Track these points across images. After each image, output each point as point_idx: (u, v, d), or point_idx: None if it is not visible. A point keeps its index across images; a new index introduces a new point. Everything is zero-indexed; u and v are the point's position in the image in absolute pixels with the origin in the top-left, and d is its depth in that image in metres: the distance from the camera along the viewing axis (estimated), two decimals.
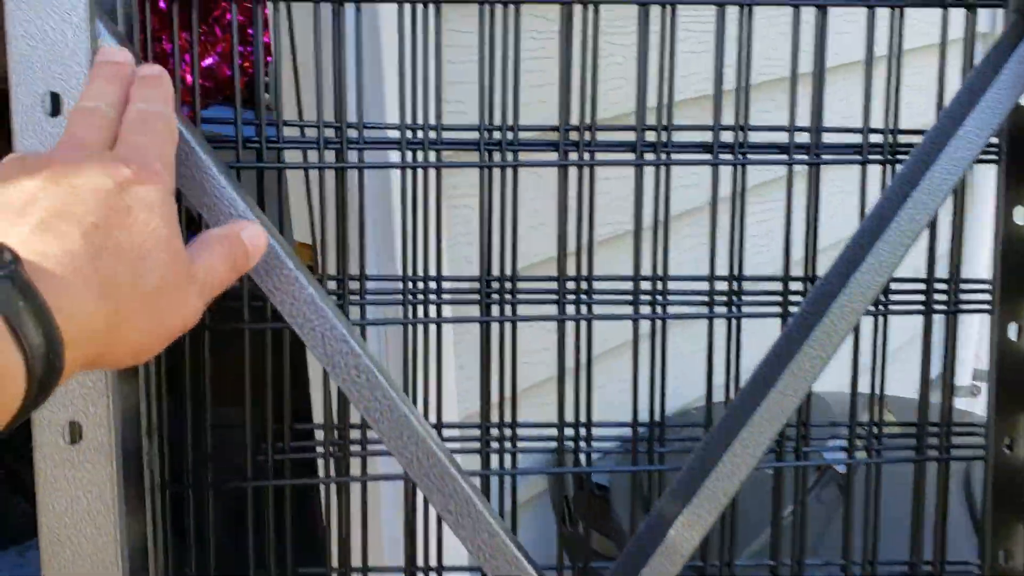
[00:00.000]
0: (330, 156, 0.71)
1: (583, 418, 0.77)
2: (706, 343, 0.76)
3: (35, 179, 0.45)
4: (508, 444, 0.77)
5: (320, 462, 0.80)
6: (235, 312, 0.70)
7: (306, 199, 0.83)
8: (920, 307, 0.76)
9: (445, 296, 0.75)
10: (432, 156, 0.72)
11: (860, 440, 0.79)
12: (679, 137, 0.74)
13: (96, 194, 0.45)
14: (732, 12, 0.72)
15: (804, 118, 0.73)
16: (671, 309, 0.76)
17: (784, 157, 0.74)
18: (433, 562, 0.77)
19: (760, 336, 0.74)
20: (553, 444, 0.78)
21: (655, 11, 0.71)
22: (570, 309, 0.76)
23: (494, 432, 0.78)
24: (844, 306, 0.65)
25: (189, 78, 1.40)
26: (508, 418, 0.77)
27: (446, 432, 0.77)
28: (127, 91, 0.53)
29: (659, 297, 0.76)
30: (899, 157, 0.74)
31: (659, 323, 0.76)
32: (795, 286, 0.76)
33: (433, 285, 0.75)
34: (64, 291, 0.42)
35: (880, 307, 0.76)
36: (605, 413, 0.81)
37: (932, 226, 0.77)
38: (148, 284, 0.46)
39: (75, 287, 0.43)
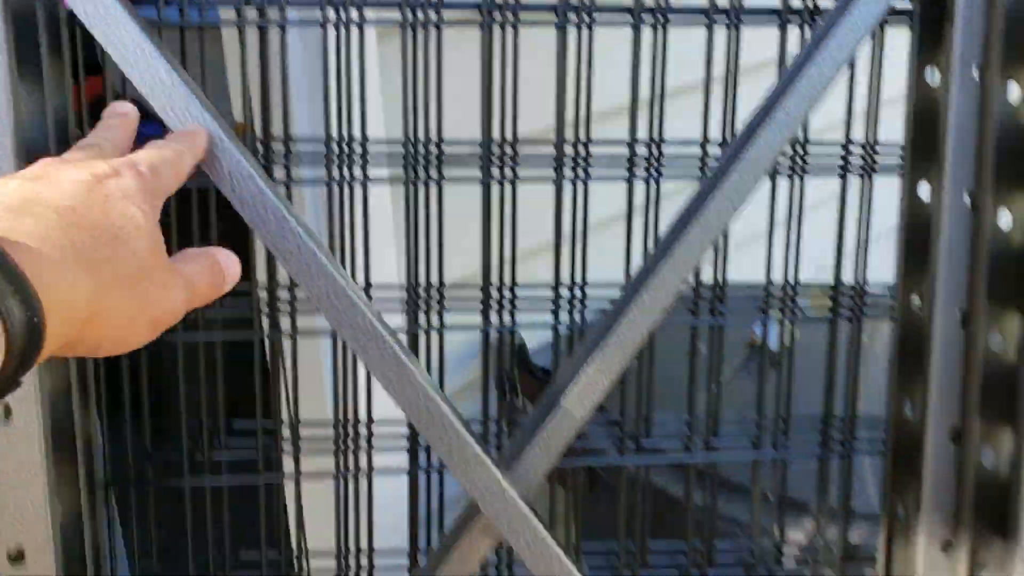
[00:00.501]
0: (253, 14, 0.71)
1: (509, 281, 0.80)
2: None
3: (16, 177, 0.47)
4: (436, 304, 0.80)
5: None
6: None
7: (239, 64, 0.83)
8: (838, 169, 0.79)
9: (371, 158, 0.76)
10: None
11: (778, 303, 0.82)
12: None
13: (73, 184, 0.46)
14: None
15: None
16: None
17: (704, 19, 0.75)
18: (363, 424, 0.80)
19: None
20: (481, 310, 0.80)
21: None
22: (495, 172, 0.77)
23: (428, 294, 0.80)
24: (752, 160, 0.67)
25: None
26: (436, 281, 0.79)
27: (383, 293, 0.80)
28: (130, 136, 0.56)
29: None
30: (816, 20, 0.75)
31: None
32: None
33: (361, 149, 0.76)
34: (41, 262, 0.41)
35: (797, 169, 0.78)
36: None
37: (850, 92, 0.78)
38: (129, 266, 0.46)
39: (52, 259, 0.42)
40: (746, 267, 0.84)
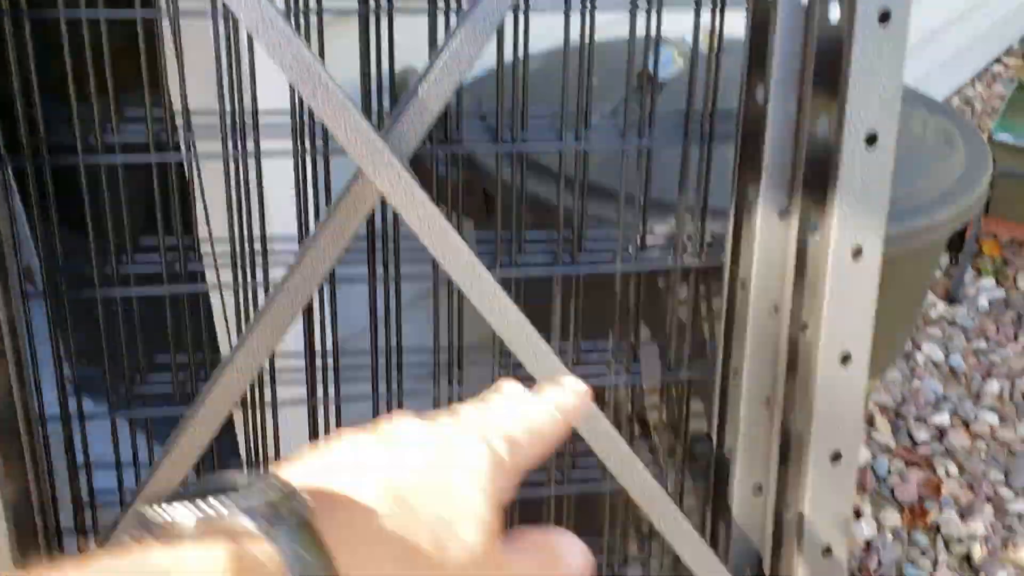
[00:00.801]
0: None
1: None
2: None
3: (366, 434, 0.43)
4: None
5: None
6: None
7: None
8: None
9: None
10: None
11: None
12: None
13: (418, 451, 0.42)
14: None
15: None
16: None
17: None
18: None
19: None
20: None
21: None
22: None
23: None
24: None
25: None
26: None
27: None
28: (554, 430, 0.47)
29: None
30: None
31: None
32: None
33: None
34: (356, 550, 0.38)
35: None
36: None
37: None
38: (451, 559, 0.40)
39: (367, 547, 0.38)
40: None
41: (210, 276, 0.89)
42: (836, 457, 0.83)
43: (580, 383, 0.49)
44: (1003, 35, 3.76)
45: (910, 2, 0.72)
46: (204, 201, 0.88)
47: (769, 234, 0.85)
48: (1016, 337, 2.43)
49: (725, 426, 0.94)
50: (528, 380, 0.60)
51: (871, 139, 0.74)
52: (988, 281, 2.62)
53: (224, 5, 0.73)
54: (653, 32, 0.89)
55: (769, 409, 0.89)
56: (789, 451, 0.87)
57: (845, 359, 0.79)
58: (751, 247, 0.86)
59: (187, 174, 0.86)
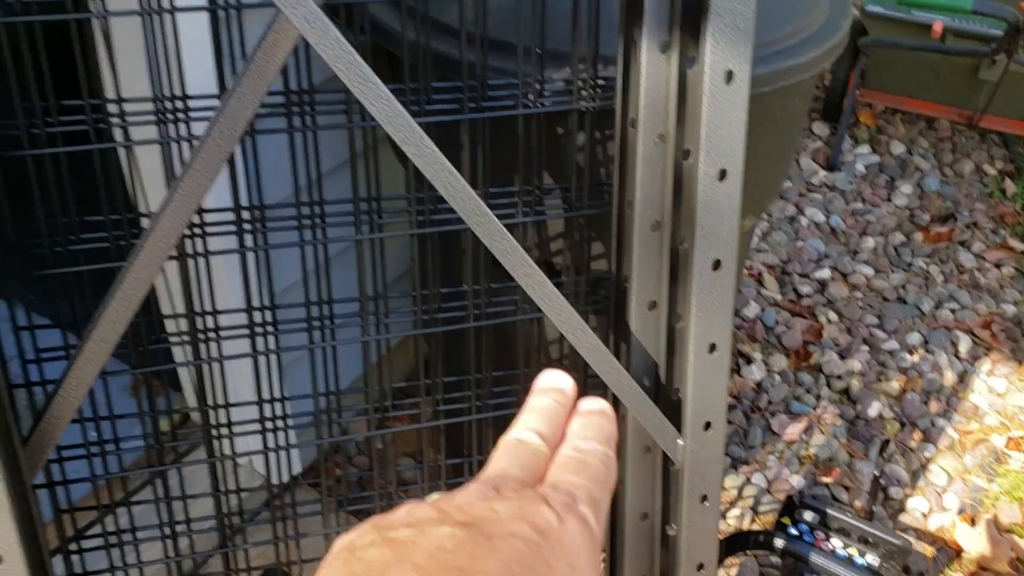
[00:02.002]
0: None
1: None
2: None
3: (443, 520, 0.36)
4: None
5: None
6: None
7: None
8: None
9: None
10: None
11: None
12: None
13: (512, 542, 0.36)
14: None
15: None
16: None
17: None
18: None
19: None
20: None
21: None
22: None
23: None
24: None
25: None
26: None
27: None
28: (564, 423, 0.45)
29: None
30: None
31: None
32: None
33: None
34: None
35: None
36: None
37: None
38: None
39: None
40: None
41: (134, 134, 0.94)
42: (716, 265, 0.94)
43: (606, 404, 0.47)
44: None
45: None
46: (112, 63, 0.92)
47: (653, 70, 0.94)
48: (889, 198, 2.63)
49: (622, 255, 1.05)
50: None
51: None
52: (864, 148, 2.80)
53: None
54: None
55: (659, 232, 0.99)
56: (677, 267, 0.99)
57: (722, 175, 0.90)
58: (638, 84, 0.95)
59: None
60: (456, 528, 0.35)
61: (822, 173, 2.69)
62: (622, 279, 1.06)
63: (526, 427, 0.44)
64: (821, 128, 2.82)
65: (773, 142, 1.20)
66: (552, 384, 0.47)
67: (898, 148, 2.78)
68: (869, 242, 2.45)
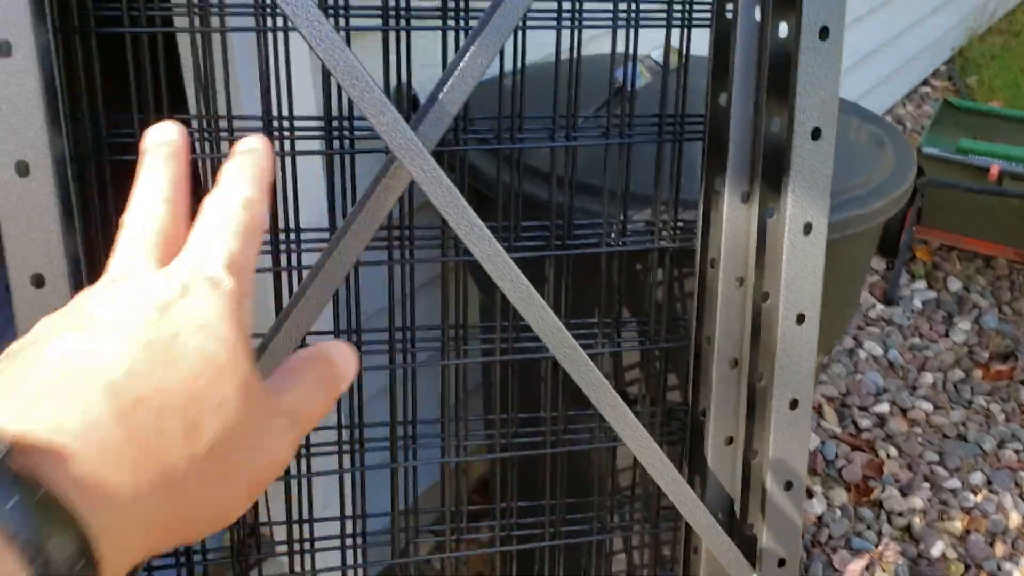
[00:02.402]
0: None
1: None
2: None
3: (47, 328, 0.35)
4: None
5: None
6: None
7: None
8: None
9: None
10: None
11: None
12: None
13: (125, 329, 0.34)
14: None
15: None
16: None
17: None
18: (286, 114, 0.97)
19: None
20: None
21: None
22: None
23: None
24: None
25: None
26: None
27: None
28: (184, 171, 0.42)
29: None
30: None
31: None
32: None
33: None
34: (87, 478, 0.30)
35: None
36: None
37: None
38: (210, 431, 0.34)
39: (102, 469, 0.31)
40: None
41: None
42: (794, 404, 0.98)
43: (256, 141, 0.43)
44: (931, 59, 4.03)
45: (844, 20, 0.88)
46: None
47: (734, 218, 0.99)
48: (947, 334, 2.63)
49: (699, 389, 1.09)
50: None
51: (815, 133, 0.89)
52: (921, 284, 2.82)
53: (273, 20, 0.86)
54: (631, 48, 1.04)
55: (737, 369, 1.03)
56: (754, 404, 1.02)
57: (800, 319, 0.94)
58: (719, 230, 1.01)
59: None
60: (58, 336, 0.33)
61: (879, 307, 2.71)
62: (698, 413, 1.10)
63: (145, 187, 0.41)
64: (878, 262, 2.85)
65: (841, 285, 1.24)
66: (159, 139, 0.42)
67: (955, 284, 2.80)
68: (928, 377, 2.45)
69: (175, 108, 0.93)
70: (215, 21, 0.92)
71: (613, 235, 1.09)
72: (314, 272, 0.91)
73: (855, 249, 1.22)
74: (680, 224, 1.10)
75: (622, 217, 1.10)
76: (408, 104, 1.37)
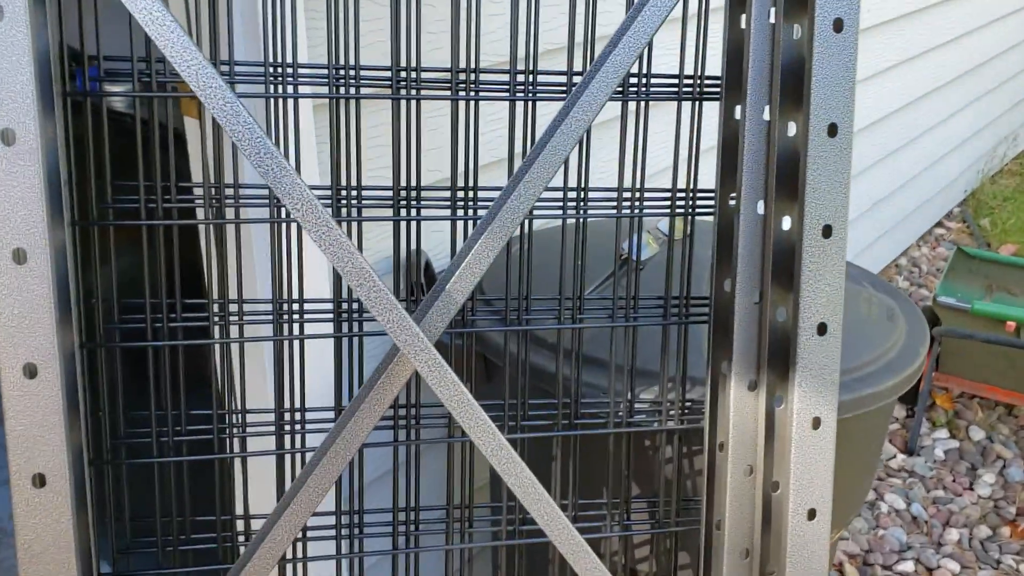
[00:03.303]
0: None
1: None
2: None
3: None
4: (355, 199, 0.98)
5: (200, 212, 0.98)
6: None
7: None
8: (673, 96, 1.00)
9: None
10: None
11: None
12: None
13: None
14: None
15: None
16: None
17: None
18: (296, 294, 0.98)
19: None
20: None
21: None
22: (402, 91, 0.96)
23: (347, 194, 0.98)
24: (599, 82, 0.87)
25: None
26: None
27: None
28: None
29: None
30: None
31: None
32: None
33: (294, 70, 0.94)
34: None
35: (642, 94, 0.99)
36: None
37: (683, 34, 1.00)
38: None
39: None
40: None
41: (246, 445, 1.01)
42: None
43: None
44: (944, 201, 4.07)
45: (847, 217, 0.89)
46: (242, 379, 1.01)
47: (741, 404, 0.99)
48: (971, 486, 2.56)
49: (711, 574, 1.05)
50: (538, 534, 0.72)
51: (822, 328, 0.89)
52: (942, 432, 2.77)
53: (285, 214, 0.88)
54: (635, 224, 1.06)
55: (748, 560, 1.00)
56: None
57: (811, 514, 0.92)
58: (727, 414, 1.00)
59: (237, 356, 0.99)
60: None
61: (900, 457, 2.65)
62: None
63: None
64: (898, 410, 2.81)
65: (855, 461, 1.22)
66: None
67: (978, 434, 2.75)
68: (953, 534, 2.37)
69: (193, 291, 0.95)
70: (230, 212, 0.95)
71: (620, 415, 1.08)
72: (319, 455, 0.91)
73: (869, 426, 1.20)
74: (688, 404, 1.09)
75: (629, 396, 1.09)
76: (418, 271, 1.39)
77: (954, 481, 2.58)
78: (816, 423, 0.90)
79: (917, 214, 3.81)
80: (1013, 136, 4.74)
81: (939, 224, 4.12)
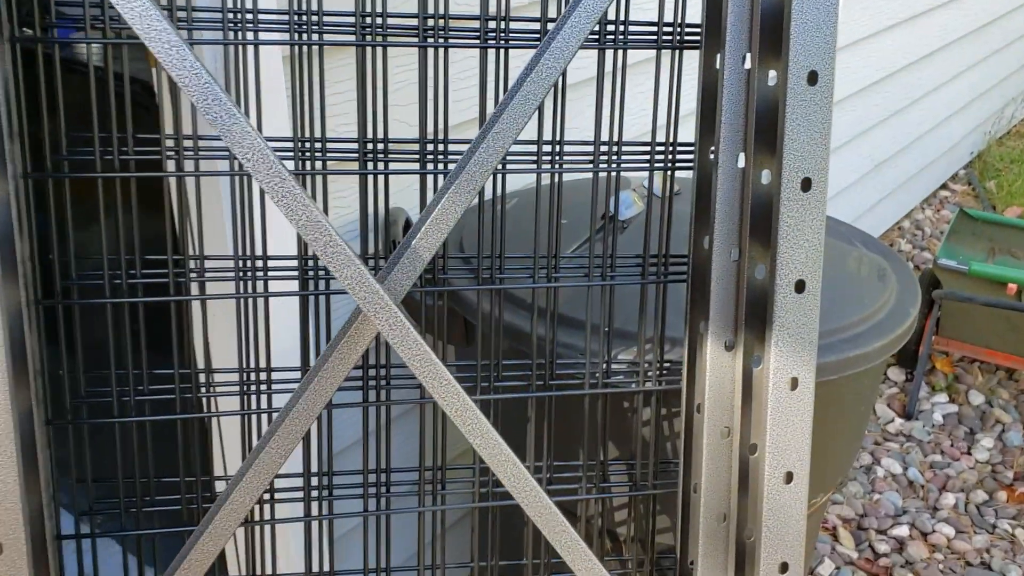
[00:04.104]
0: None
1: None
2: None
3: None
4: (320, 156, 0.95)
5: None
6: None
7: None
8: (651, 44, 0.96)
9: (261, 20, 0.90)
10: None
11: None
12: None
13: None
14: None
15: None
16: None
17: None
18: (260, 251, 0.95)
19: None
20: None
21: None
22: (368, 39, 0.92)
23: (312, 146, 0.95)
24: (572, 26, 0.83)
25: None
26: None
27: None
28: None
29: None
30: None
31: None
32: None
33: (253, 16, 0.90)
34: None
35: (619, 42, 0.95)
36: None
37: None
38: None
39: None
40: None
41: (216, 404, 0.98)
42: (784, 568, 0.92)
43: None
44: (949, 163, 4.01)
45: (827, 173, 0.85)
46: (206, 336, 0.98)
47: (718, 365, 0.96)
48: (969, 451, 2.54)
49: (687, 539, 1.03)
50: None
51: (800, 286, 0.86)
52: (941, 397, 2.74)
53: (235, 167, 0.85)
54: (614, 182, 1.02)
55: (725, 523, 0.98)
56: (744, 561, 0.96)
57: (789, 477, 0.90)
58: (704, 375, 0.97)
59: (200, 309, 0.96)
60: None
61: (898, 421, 2.63)
62: (687, 564, 1.04)
63: None
64: (897, 374, 2.78)
65: (843, 423, 1.19)
66: None
67: (977, 398, 2.72)
68: (949, 499, 2.35)
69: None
70: (191, 165, 0.92)
71: (597, 375, 1.06)
72: (280, 418, 0.88)
73: (857, 388, 1.17)
74: (667, 365, 1.06)
75: (606, 356, 1.06)
76: (400, 228, 1.35)
77: (952, 446, 2.56)
78: (794, 383, 0.87)
79: (921, 176, 3.75)
80: (1022, 97, 4.66)
81: (944, 186, 4.06)
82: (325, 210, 0.95)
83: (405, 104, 1.18)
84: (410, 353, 0.82)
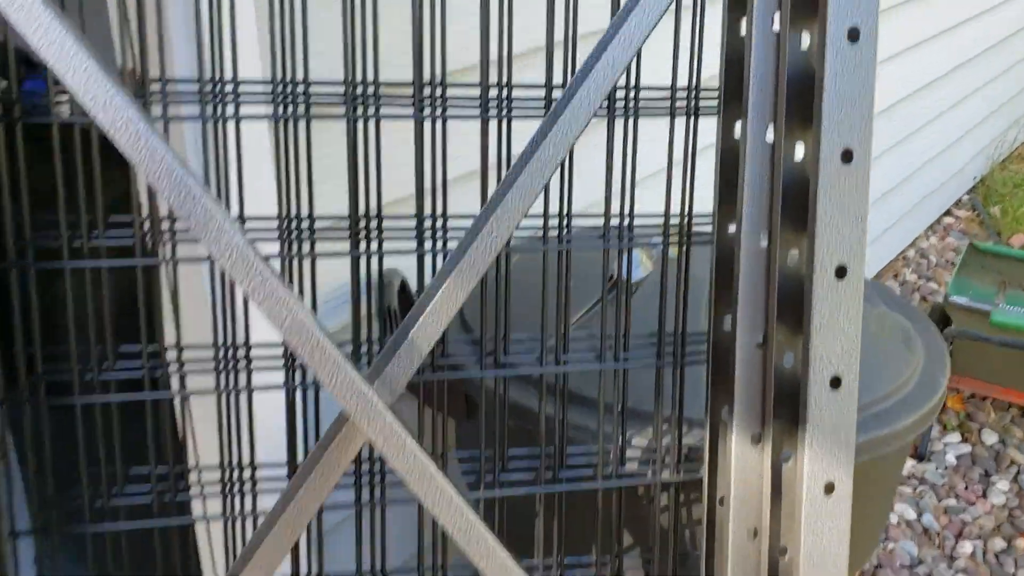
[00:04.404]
0: None
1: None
2: None
3: None
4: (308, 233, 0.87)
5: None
6: None
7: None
8: (665, 111, 0.89)
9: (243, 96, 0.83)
10: None
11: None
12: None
13: None
14: None
15: None
16: None
17: None
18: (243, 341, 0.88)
19: None
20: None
21: None
22: (359, 111, 0.85)
23: (299, 225, 0.87)
24: (582, 99, 0.76)
25: None
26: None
27: (257, 223, 0.86)
28: None
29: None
30: None
31: None
32: None
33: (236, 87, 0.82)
34: None
35: (630, 110, 0.88)
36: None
37: (676, 41, 0.89)
38: None
39: None
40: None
41: (198, 507, 0.90)
42: None
43: None
44: (953, 189, 3.95)
45: (864, 255, 0.78)
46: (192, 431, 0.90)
47: (744, 459, 0.88)
48: (984, 494, 2.46)
49: None
50: None
51: (835, 382, 0.78)
52: (954, 436, 2.66)
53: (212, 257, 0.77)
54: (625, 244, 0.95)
55: None
56: None
57: None
58: (728, 467, 0.89)
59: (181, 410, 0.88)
60: None
61: (910, 463, 2.55)
62: None
63: None
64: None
65: (872, 508, 1.11)
66: None
67: (991, 437, 2.64)
68: (967, 547, 2.26)
69: None
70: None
71: (610, 465, 0.98)
72: (268, 522, 0.80)
73: (884, 471, 1.10)
74: (685, 452, 0.99)
75: (619, 442, 0.98)
76: (396, 292, 1.28)
77: (967, 489, 2.47)
78: (829, 488, 0.80)
79: (925, 203, 3.69)
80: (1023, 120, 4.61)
81: (948, 213, 4.00)
82: (313, 284, 0.88)
83: (398, 166, 1.10)
84: (406, 467, 0.74)
